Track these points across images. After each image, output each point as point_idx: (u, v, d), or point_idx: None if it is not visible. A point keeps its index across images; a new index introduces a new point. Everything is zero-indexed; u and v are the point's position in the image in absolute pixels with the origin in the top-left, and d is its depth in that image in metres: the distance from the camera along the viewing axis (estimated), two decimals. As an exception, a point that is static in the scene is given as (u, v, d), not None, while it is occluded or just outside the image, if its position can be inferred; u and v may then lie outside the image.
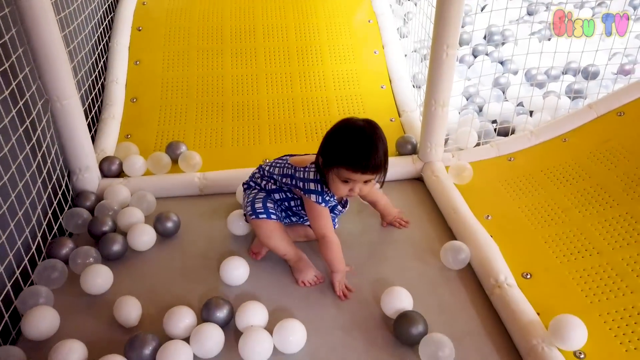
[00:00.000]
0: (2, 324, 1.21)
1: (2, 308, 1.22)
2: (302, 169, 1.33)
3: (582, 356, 1.13)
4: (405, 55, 2.48)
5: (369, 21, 2.40)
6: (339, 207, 1.42)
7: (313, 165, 1.31)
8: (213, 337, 1.17)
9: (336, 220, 1.47)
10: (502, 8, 2.43)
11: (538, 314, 1.21)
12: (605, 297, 1.25)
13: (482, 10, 3.13)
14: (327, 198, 1.31)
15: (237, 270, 1.35)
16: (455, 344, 1.18)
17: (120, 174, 1.77)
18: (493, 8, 2.97)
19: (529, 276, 1.34)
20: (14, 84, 1.36)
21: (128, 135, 1.95)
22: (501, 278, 1.30)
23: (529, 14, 3.13)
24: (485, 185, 1.69)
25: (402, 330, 1.19)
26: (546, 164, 1.70)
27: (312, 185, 1.30)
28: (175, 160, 1.81)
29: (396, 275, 1.39)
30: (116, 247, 1.44)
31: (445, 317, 1.28)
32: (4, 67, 1.32)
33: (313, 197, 1.29)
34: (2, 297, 1.23)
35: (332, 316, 1.29)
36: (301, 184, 1.32)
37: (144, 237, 1.48)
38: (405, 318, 1.19)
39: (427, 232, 1.56)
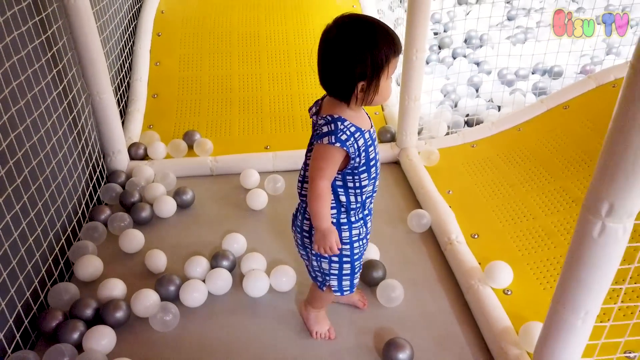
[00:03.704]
0: (59, 269, 1.56)
1: (59, 256, 1.57)
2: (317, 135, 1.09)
3: (509, 292, 1.45)
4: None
5: (359, 27, 2.73)
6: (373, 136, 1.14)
7: (323, 116, 1.09)
8: (223, 278, 1.50)
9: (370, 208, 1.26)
10: (486, 16, 2.75)
11: (480, 263, 1.53)
12: (534, 251, 1.57)
13: (466, 15, 3.44)
14: (346, 135, 1.05)
15: (237, 244, 1.64)
16: (411, 286, 1.51)
17: (145, 157, 2.11)
18: (476, 15, 3.30)
19: (476, 236, 1.66)
20: (65, 81, 1.71)
21: (150, 126, 2.29)
22: (453, 237, 1.62)
23: (509, 19, 3.44)
24: (450, 166, 2.01)
25: (365, 274, 1.51)
26: (502, 149, 2.02)
27: (324, 129, 1.06)
28: (190, 146, 2.14)
29: (371, 236, 1.70)
30: (145, 213, 1.78)
31: (406, 267, 1.60)
32: (57, 68, 1.66)
33: (325, 139, 1.05)
34: (58, 247, 1.57)
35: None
36: (317, 136, 1.08)
37: (167, 206, 1.82)
38: (368, 265, 1.52)
39: (399, 205, 1.88)
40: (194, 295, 1.46)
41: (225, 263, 1.56)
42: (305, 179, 1.18)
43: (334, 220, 1.17)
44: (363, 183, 1.14)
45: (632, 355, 1.21)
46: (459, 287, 1.52)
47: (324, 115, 1.09)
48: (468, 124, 2.38)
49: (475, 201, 1.81)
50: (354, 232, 1.20)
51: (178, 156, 2.11)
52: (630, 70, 0.78)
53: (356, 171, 1.12)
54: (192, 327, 1.43)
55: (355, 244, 1.21)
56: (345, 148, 1.06)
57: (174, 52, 2.61)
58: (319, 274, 1.26)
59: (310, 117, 1.16)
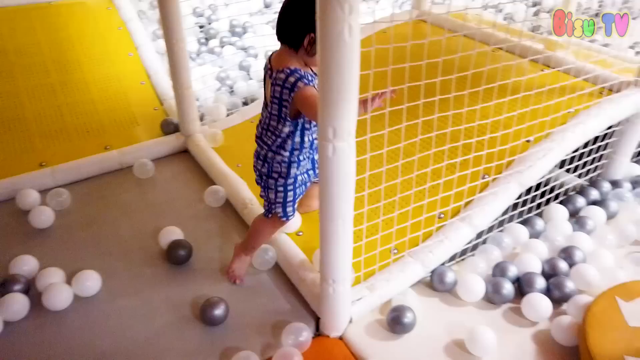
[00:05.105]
0: None
1: None
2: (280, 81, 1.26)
3: (300, 234, 1.67)
4: (162, 54, 2.83)
5: (119, 28, 2.68)
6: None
7: (286, 68, 1.26)
8: (17, 301, 1.40)
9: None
10: (245, 5, 2.95)
11: (273, 217, 1.72)
12: (315, 195, 1.82)
13: (227, 6, 3.64)
14: (307, 79, 1.26)
15: (27, 266, 1.54)
16: (218, 253, 1.62)
17: None
18: (236, 5, 3.51)
19: (267, 196, 1.85)
20: None
21: None
22: (247, 201, 1.78)
23: (266, 6, 3.74)
24: (236, 143, 2.17)
25: (171, 254, 1.59)
26: (277, 118, 2.25)
27: (291, 79, 1.24)
28: (-55, 182, 1.88)
29: (172, 221, 1.76)
30: None
31: (212, 239, 1.71)
32: None
33: (300, 84, 1.24)
34: None
35: (120, 262, 1.61)
36: (286, 88, 1.25)
37: None
38: (173, 245, 1.59)
39: (195, 188, 1.97)
40: (-15, 329, 1.34)
41: (17, 287, 1.45)
42: (267, 127, 1.36)
43: (286, 160, 1.37)
44: (313, 122, 1.34)
45: (394, 250, 1.52)
46: (259, 241, 1.69)
47: (280, 69, 1.25)
48: (245, 103, 2.58)
49: (262, 167, 2.00)
50: (301, 168, 1.41)
51: None
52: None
53: None
54: (-9, 363, 1.31)
55: (299, 178, 1.43)
56: (313, 86, 1.24)
57: None
58: (267, 203, 1.47)
59: (265, 73, 1.34)
